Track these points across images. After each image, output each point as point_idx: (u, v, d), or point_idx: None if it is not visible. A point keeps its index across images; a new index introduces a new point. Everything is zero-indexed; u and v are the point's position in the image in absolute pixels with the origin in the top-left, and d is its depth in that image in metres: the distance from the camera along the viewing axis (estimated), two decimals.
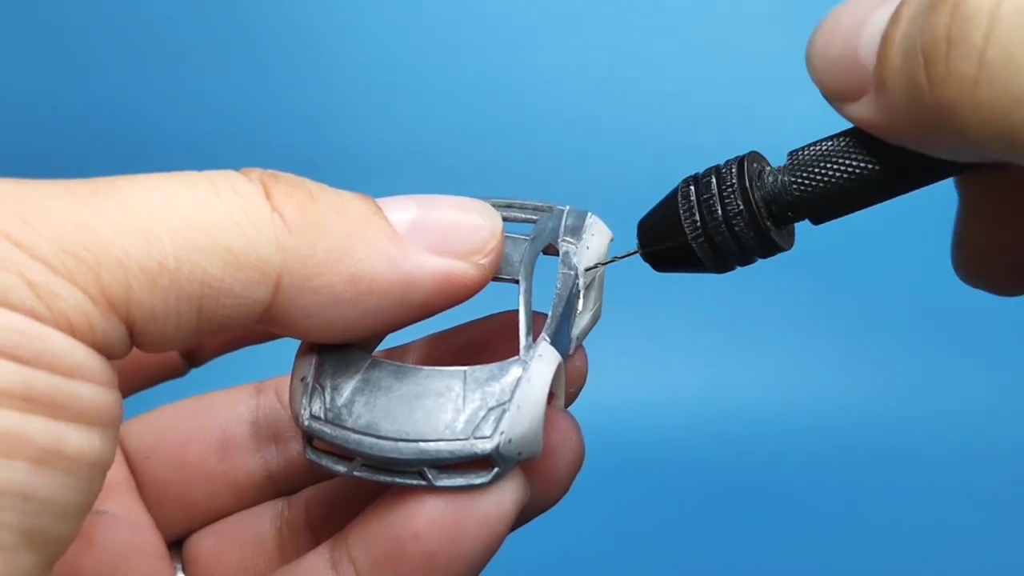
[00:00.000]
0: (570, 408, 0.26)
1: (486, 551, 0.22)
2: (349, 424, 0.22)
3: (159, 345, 0.20)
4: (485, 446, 0.21)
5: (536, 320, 0.24)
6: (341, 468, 0.23)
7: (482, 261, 0.22)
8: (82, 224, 0.19)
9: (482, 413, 0.22)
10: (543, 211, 0.27)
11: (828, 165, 0.22)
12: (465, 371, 0.22)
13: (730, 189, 0.23)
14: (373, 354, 0.25)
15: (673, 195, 0.24)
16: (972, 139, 0.18)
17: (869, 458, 0.69)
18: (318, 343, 0.24)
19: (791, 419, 0.71)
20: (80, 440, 0.19)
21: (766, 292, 0.75)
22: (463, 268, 0.22)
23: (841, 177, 0.22)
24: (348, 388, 0.23)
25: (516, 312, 0.24)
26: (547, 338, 0.23)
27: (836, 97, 0.21)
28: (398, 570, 0.22)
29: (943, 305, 0.71)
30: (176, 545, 0.29)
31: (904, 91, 0.19)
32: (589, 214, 0.27)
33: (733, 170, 0.24)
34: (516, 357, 0.23)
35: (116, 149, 0.77)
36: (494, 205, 0.27)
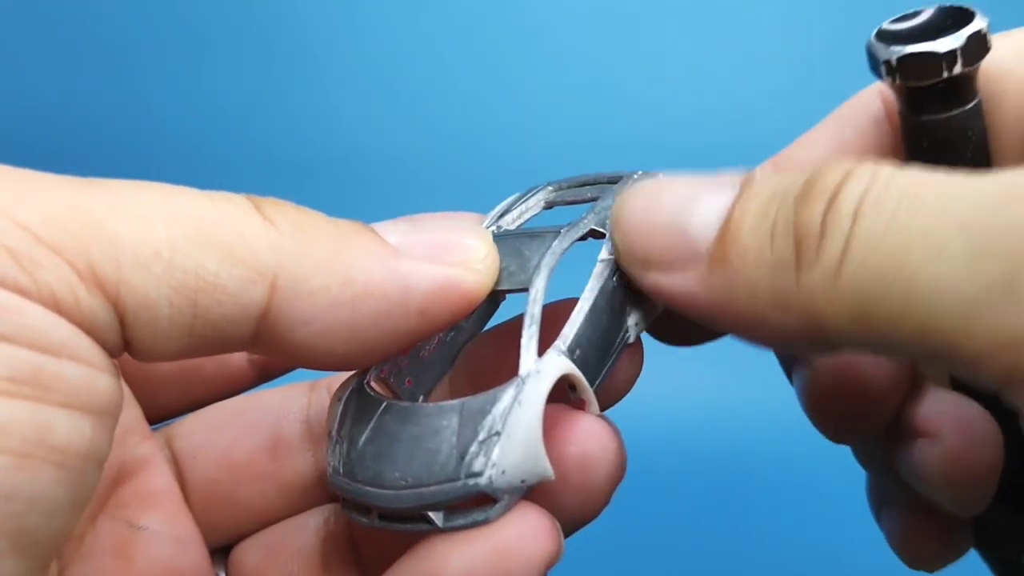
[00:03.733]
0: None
1: None
2: (360, 477, 0.22)
3: (152, 342, 0.19)
4: (478, 482, 0.20)
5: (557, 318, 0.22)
6: (365, 520, 0.22)
7: (478, 267, 0.22)
8: (75, 204, 0.18)
9: (474, 448, 0.20)
10: (613, 183, 0.24)
11: None
12: (463, 403, 0.21)
13: None
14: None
15: None
16: (824, 326, 0.19)
17: None
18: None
19: (795, 419, 0.71)
20: (68, 428, 0.17)
21: None
22: (460, 273, 0.22)
23: None
24: (362, 438, 0.22)
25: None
26: (561, 348, 0.21)
27: (645, 264, 0.22)
28: None
29: None
30: (223, 552, 0.28)
31: (759, 270, 0.20)
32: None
33: None
34: (514, 378, 0.21)
35: (111, 153, 0.77)
36: (561, 188, 0.26)
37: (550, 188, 0.27)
